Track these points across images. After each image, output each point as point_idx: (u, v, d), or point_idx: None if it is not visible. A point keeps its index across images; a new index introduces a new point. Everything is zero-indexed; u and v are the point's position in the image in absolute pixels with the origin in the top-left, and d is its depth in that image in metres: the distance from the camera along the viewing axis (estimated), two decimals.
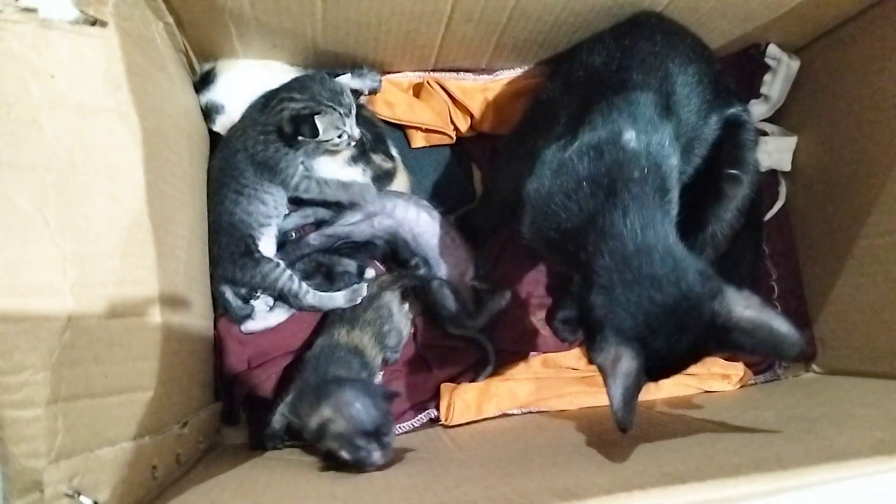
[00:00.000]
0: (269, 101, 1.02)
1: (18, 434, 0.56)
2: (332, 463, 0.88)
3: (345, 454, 0.85)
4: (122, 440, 0.66)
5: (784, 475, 0.63)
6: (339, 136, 1.01)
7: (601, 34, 1.02)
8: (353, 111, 1.03)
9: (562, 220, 0.84)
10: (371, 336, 1.05)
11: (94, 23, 0.68)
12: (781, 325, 0.73)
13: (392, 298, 1.09)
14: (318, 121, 0.97)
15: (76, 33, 0.67)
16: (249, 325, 1.06)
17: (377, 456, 0.84)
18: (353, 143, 1.04)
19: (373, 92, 1.14)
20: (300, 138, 0.99)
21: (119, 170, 0.70)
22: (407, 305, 1.12)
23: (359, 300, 1.05)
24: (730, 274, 1.14)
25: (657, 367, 0.78)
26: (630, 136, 0.83)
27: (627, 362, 0.75)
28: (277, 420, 0.98)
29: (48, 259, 0.61)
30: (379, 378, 1.10)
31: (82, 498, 0.59)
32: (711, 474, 0.64)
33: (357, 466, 0.85)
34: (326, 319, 1.09)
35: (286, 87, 1.02)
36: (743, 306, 0.74)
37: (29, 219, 0.60)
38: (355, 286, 1.07)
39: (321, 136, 0.98)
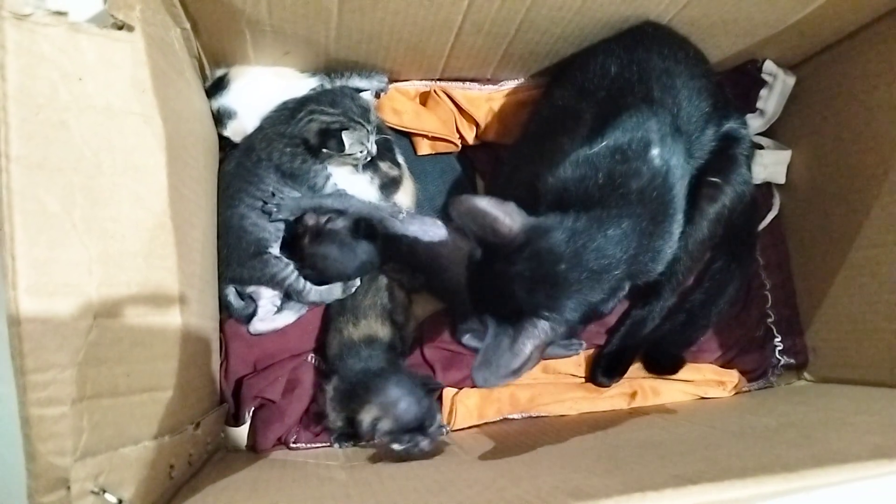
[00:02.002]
0: (294, 113, 1.04)
1: (45, 432, 0.57)
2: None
3: (396, 447, 0.94)
4: (144, 439, 0.66)
5: (790, 477, 0.65)
6: (361, 152, 1.03)
7: (609, 44, 1.04)
8: (376, 128, 1.05)
9: (570, 203, 0.86)
10: (377, 318, 1.06)
11: (121, 27, 0.69)
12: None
13: (387, 281, 1.11)
14: (345, 136, 0.99)
15: (104, 37, 0.67)
16: (258, 326, 1.07)
17: (424, 445, 0.94)
18: (369, 157, 1.06)
19: (378, 93, 1.15)
20: (325, 150, 1.01)
21: (144, 172, 0.71)
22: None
23: (353, 290, 1.09)
24: (726, 284, 1.19)
25: (490, 275, 0.83)
26: (656, 153, 0.87)
27: (509, 211, 0.82)
28: (334, 420, 1.03)
29: (75, 259, 0.62)
30: None
31: (107, 495, 0.60)
32: (720, 476, 0.66)
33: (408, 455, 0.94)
34: (329, 311, 1.11)
35: (315, 100, 1.04)
36: (536, 345, 0.80)
37: (57, 219, 0.60)
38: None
39: (347, 151, 1.00)
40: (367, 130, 1.02)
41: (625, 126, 0.89)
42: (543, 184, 0.90)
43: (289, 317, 1.10)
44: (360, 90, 1.11)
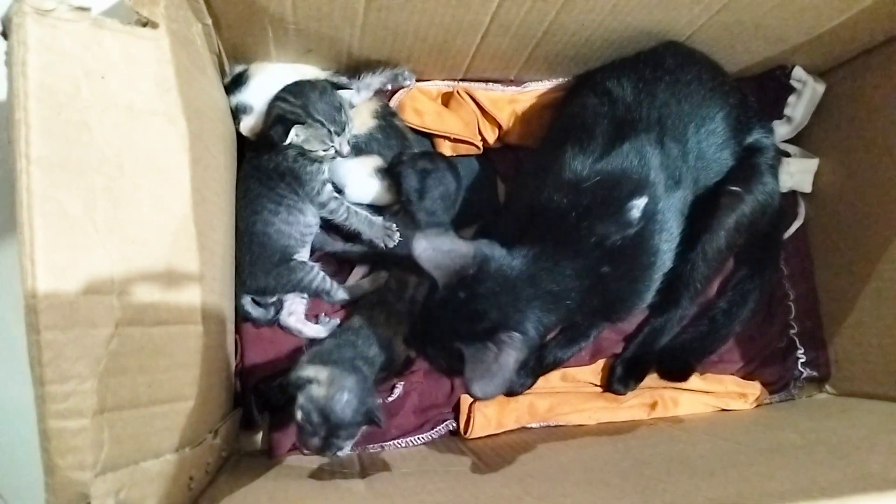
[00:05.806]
0: None
1: (64, 445, 0.55)
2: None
3: (298, 417, 0.88)
4: (165, 452, 0.64)
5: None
6: (325, 150, 0.99)
7: (636, 63, 1.02)
8: (348, 128, 1.00)
9: (542, 230, 0.90)
10: (397, 324, 1.04)
11: (145, 24, 0.67)
12: None
13: (416, 283, 1.07)
14: (296, 129, 0.95)
15: (128, 34, 0.65)
16: (289, 320, 1.06)
17: (312, 444, 0.88)
18: (340, 156, 1.02)
19: (398, 88, 1.13)
20: (271, 134, 0.96)
21: (167, 174, 0.68)
22: None
23: (382, 282, 1.08)
24: (749, 293, 1.17)
25: (456, 302, 0.85)
26: (636, 204, 0.88)
27: (460, 243, 0.87)
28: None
29: (97, 264, 0.59)
30: (398, 390, 1.09)
31: None
32: (758, 500, 0.64)
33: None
34: (362, 300, 1.10)
35: (286, 88, 1.00)
36: (516, 357, 0.82)
37: (78, 222, 0.58)
38: (375, 273, 1.10)
39: (299, 143, 0.97)
40: (329, 130, 0.97)
41: (625, 158, 0.90)
42: (540, 196, 0.92)
43: (319, 331, 1.07)
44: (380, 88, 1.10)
